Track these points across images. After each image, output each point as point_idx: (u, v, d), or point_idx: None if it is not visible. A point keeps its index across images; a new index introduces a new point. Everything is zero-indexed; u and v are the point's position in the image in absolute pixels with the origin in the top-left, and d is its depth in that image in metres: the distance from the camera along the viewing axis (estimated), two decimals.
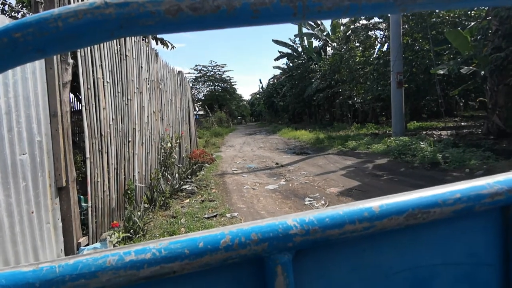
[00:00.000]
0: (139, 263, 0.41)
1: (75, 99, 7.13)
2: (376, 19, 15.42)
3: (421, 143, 8.16)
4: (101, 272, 0.40)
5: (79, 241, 3.11)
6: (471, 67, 9.11)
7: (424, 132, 11.48)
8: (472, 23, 9.50)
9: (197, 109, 34.18)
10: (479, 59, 8.51)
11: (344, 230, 0.47)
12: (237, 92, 41.97)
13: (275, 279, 0.45)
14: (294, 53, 25.01)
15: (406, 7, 0.39)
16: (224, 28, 0.37)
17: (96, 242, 3.44)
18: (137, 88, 5.18)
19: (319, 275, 0.50)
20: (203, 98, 37.36)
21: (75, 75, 3.56)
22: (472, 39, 9.18)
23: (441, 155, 6.88)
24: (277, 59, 26.61)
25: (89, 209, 3.46)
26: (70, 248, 2.97)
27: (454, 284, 0.54)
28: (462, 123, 13.54)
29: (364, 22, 15.85)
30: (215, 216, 4.72)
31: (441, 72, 9.84)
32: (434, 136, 10.34)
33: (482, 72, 8.90)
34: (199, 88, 37.49)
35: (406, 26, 12.61)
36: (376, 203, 0.49)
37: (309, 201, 5.28)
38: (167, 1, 0.34)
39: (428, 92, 12.84)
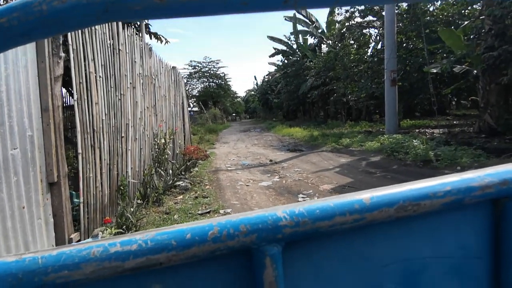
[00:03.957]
0: (124, 254, 0.41)
1: (67, 94, 7.04)
2: (370, 17, 15.47)
3: (414, 141, 8.23)
4: (85, 264, 0.39)
5: (70, 236, 3.08)
6: (463, 66, 9.20)
7: (417, 130, 11.58)
8: (466, 22, 9.58)
9: (191, 105, 34.05)
10: (472, 58, 8.59)
11: (334, 222, 0.46)
12: (231, 88, 41.87)
13: (263, 271, 0.45)
14: (289, 50, 24.98)
15: None
16: (214, 15, 0.36)
17: (88, 238, 3.42)
18: (130, 83, 5.13)
19: (309, 267, 0.49)
20: (197, 94, 37.16)
21: (67, 69, 3.50)
22: (465, 38, 9.26)
23: (433, 153, 6.95)
24: (272, 55, 26.57)
25: (81, 205, 3.43)
26: (61, 244, 2.94)
27: (444, 276, 0.54)
28: (455, 122, 13.70)
29: (359, 20, 15.89)
30: (208, 212, 4.71)
31: (434, 71, 9.92)
32: (427, 134, 10.44)
33: (475, 71, 9.00)
34: (193, 84, 37.29)
35: (400, 24, 12.67)
36: (367, 195, 0.49)
37: (302, 197, 5.30)
38: None
39: (421, 91, 12.94)
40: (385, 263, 0.52)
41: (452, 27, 10.10)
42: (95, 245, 0.41)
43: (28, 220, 2.55)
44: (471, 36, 9.22)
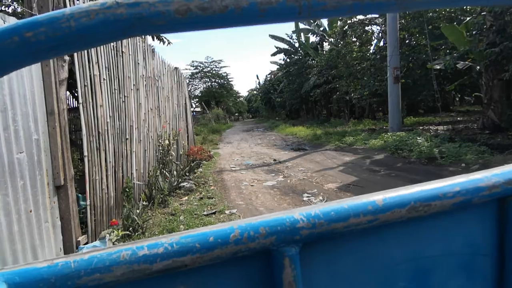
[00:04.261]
0: (152, 257, 0.42)
1: (71, 97, 7.08)
2: (372, 14, 15.39)
3: (418, 138, 8.20)
4: (116, 267, 0.41)
5: (78, 239, 3.10)
6: (467, 62, 9.15)
7: (421, 127, 11.54)
8: (468, 18, 9.51)
9: (194, 105, 34.10)
10: (475, 54, 8.54)
11: (349, 223, 0.48)
12: (234, 88, 41.88)
13: (282, 271, 0.47)
14: (291, 49, 24.94)
15: (407, 6, 0.40)
16: (232, 27, 0.38)
17: (95, 240, 3.44)
18: (133, 84, 5.15)
19: (325, 267, 0.51)
20: (199, 94, 37.23)
21: (71, 72, 3.53)
22: (468, 34, 9.21)
23: (438, 150, 6.92)
24: (274, 54, 26.54)
25: (88, 208, 3.45)
26: (69, 247, 2.97)
27: (452, 273, 0.57)
28: (458, 118, 13.62)
29: (361, 17, 15.82)
30: (214, 213, 4.73)
31: (438, 67, 9.88)
32: (431, 131, 10.39)
33: (478, 67, 8.94)
34: (195, 85, 37.35)
35: (402, 21, 12.61)
36: (379, 197, 0.51)
37: (307, 197, 5.30)
38: (176, 1, 0.35)
39: (424, 87, 12.88)
40: (397, 262, 0.54)
41: (455, 23, 10.05)
42: (124, 248, 0.43)
43: (36, 223, 2.58)
44: (474, 32, 9.16)
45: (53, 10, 3.03)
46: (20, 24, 0.33)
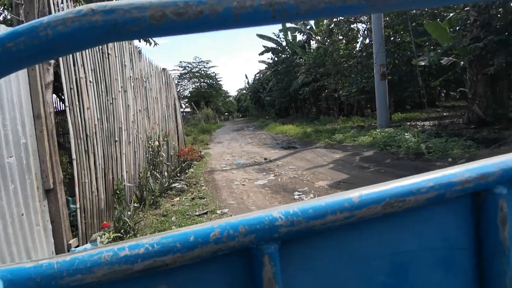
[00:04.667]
0: (133, 257, 0.43)
1: (58, 100, 6.98)
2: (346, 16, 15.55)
3: (406, 134, 8.34)
4: (97, 268, 0.42)
5: (69, 242, 3.08)
6: (451, 58, 9.33)
7: (408, 123, 11.73)
8: (451, 14, 9.71)
9: (184, 106, 33.89)
10: (459, 49, 8.72)
11: (326, 220, 0.49)
12: (223, 88, 41.76)
13: (262, 268, 0.48)
14: (279, 48, 25.01)
15: (379, 8, 0.41)
16: (208, 32, 0.39)
17: (87, 243, 3.42)
18: (121, 86, 5.11)
19: (304, 263, 0.52)
20: (189, 95, 36.99)
21: (56, 75, 3.49)
22: (451, 30, 9.39)
23: (425, 146, 7.06)
24: (261, 53, 26.59)
25: (78, 210, 3.43)
26: (60, 250, 2.94)
27: (430, 267, 0.58)
28: (444, 113, 13.89)
29: None
30: (205, 213, 4.73)
31: (422, 64, 10.06)
32: (418, 127, 10.58)
33: (462, 63, 9.12)
34: (184, 85, 37.09)
35: (387, 18, 12.79)
36: (355, 194, 0.52)
37: (298, 195, 5.35)
38: (152, 7, 0.35)
39: (410, 84, 13.10)
40: (375, 257, 0.55)
41: (438, 20, 10.24)
42: (105, 250, 0.44)
43: (28, 226, 2.56)
44: (457, 28, 9.34)
45: (38, 16, 3.00)
46: (3, 35, 0.34)
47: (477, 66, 8.40)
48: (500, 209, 0.56)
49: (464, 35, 8.65)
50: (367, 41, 15.48)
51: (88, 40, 0.35)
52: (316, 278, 0.53)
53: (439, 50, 9.59)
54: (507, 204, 0.56)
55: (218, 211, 4.77)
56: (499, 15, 7.91)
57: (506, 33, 7.49)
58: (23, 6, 2.84)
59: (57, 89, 5.10)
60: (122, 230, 3.78)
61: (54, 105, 6.46)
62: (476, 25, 8.09)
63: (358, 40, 17.01)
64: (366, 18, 15.15)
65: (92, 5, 0.35)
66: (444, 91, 19.93)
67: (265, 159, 9.15)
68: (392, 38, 13.79)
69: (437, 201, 0.55)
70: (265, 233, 0.48)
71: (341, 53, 15.88)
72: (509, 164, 0.58)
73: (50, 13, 3.20)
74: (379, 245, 0.55)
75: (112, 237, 3.40)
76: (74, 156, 3.50)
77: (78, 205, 3.43)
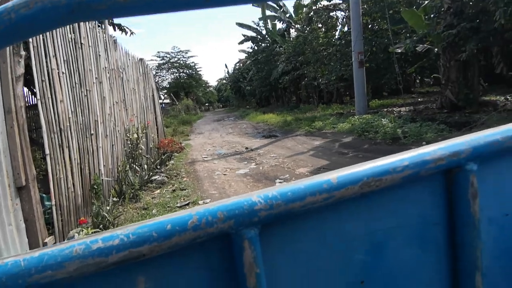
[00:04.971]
0: (107, 249, 0.42)
1: (29, 93, 6.69)
2: (337, 0, 15.62)
3: (383, 120, 8.54)
4: (68, 262, 0.40)
5: (45, 241, 3.00)
6: (425, 45, 9.54)
7: (385, 110, 11.99)
8: (426, 2, 9.88)
9: (163, 97, 33.22)
10: (433, 36, 8.92)
11: (306, 202, 0.50)
12: (203, 78, 41.18)
13: (242, 253, 0.48)
14: (259, 36, 24.78)
15: None
16: (177, 11, 0.38)
17: (64, 240, 3.34)
18: (96, 78, 4.95)
19: (285, 245, 0.53)
20: (168, 86, 36.27)
21: (27, 67, 3.34)
22: (426, 17, 9.57)
23: (401, 130, 7.26)
24: (241, 42, 26.23)
25: (54, 208, 3.34)
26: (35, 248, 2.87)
27: (407, 243, 0.60)
28: (419, 99, 14.26)
29: (326, 3, 16.00)
30: (187, 204, 4.71)
31: (399, 51, 10.24)
32: (394, 112, 10.84)
33: (436, 49, 9.36)
34: (163, 76, 36.28)
35: (365, 6, 12.88)
36: (334, 175, 0.53)
37: (279, 182, 5.40)
38: None
39: (387, 71, 13.33)
40: (354, 236, 0.56)
41: (414, 7, 10.41)
42: (77, 243, 0.42)
43: None
44: (432, 15, 9.53)
45: None
46: None
47: (450, 53, 8.64)
48: (471, 185, 0.59)
49: (438, 23, 8.84)
50: (346, 29, 15.57)
51: (52, 20, 0.34)
52: (296, 259, 0.53)
53: (414, 38, 9.78)
54: (477, 179, 0.59)
55: (200, 202, 4.76)
56: (471, 3, 8.12)
57: (477, 20, 7.71)
58: None
59: (29, 82, 4.89)
60: (101, 226, 3.72)
61: (26, 99, 6.21)
62: (450, 12, 8.28)
63: (337, 28, 17.07)
64: (345, 6, 15.21)
65: None
66: (419, 77, 20.41)
67: (246, 148, 9.16)
68: (370, 26, 13.92)
69: (412, 179, 0.56)
70: (245, 218, 0.47)
71: (320, 41, 15.91)
72: (479, 141, 0.60)
73: None
74: (357, 224, 0.56)
75: (90, 232, 3.34)
76: (47, 152, 3.38)
77: (53, 202, 3.33)
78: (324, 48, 15.78)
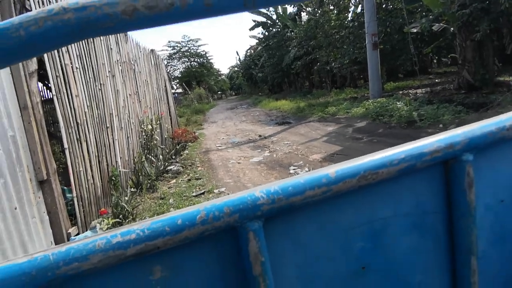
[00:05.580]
0: (125, 243, 0.46)
1: (45, 88, 6.86)
2: None
3: (398, 103, 8.35)
4: (92, 255, 0.45)
5: (68, 231, 3.13)
6: (441, 24, 9.20)
7: (401, 92, 11.70)
8: None
9: (175, 87, 33.40)
10: (448, 16, 8.59)
11: (305, 196, 0.53)
12: (214, 66, 40.99)
13: (248, 243, 0.52)
14: (269, 22, 24.37)
15: None
16: (180, 22, 0.40)
17: (87, 230, 3.47)
18: (109, 71, 5.02)
19: (287, 236, 0.56)
20: (179, 75, 36.35)
21: (40, 62, 3.41)
22: None
23: (417, 113, 7.09)
24: (252, 28, 25.85)
25: (75, 199, 3.46)
26: (60, 239, 2.99)
27: (405, 231, 0.63)
28: (436, 80, 13.84)
29: None
30: (203, 193, 4.79)
31: (414, 31, 9.91)
32: (410, 95, 10.57)
33: (452, 29, 9.03)
34: (174, 66, 36.32)
35: None
36: (332, 170, 0.56)
37: (293, 169, 5.41)
38: (122, 2, 0.36)
39: (403, 52, 12.94)
40: (353, 226, 0.60)
41: None
42: (98, 238, 0.47)
43: (22, 220, 2.57)
44: None
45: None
46: None
47: (465, 32, 8.36)
48: (467, 174, 0.61)
49: (453, 1, 8.49)
50: (359, 10, 15.12)
51: (63, 38, 0.36)
52: (299, 248, 0.57)
53: (430, 17, 9.42)
54: (473, 169, 0.61)
55: (216, 191, 4.83)
56: None
57: (487, 1, 7.43)
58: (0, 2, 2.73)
59: (43, 77, 5.00)
60: (121, 216, 3.83)
61: (41, 94, 6.36)
62: None
63: (349, 10, 16.60)
64: None
65: (63, 3, 0.35)
66: (436, 57, 19.75)
67: (260, 136, 9.17)
68: (384, 6, 13.48)
69: (408, 171, 0.59)
70: (249, 212, 0.51)
71: (332, 24, 15.53)
72: (475, 132, 0.62)
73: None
74: (356, 214, 0.59)
75: (111, 223, 3.45)
76: (66, 145, 3.48)
77: (74, 194, 3.45)
78: (336, 31, 15.42)
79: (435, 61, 21.20)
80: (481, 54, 8.38)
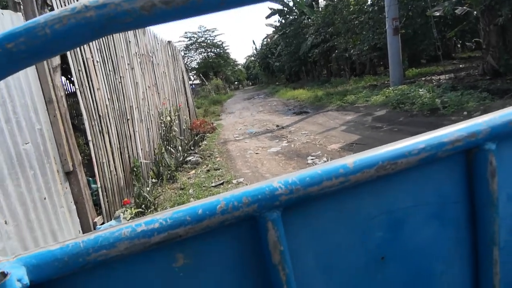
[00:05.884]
0: (149, 232, 0.49)
1: (68, 82, 7.05)
2: None
3: (420, 90, 8.09)
4: (119, 243, 0.48)
5: (94, 220, 3.25)
6: (464, 8, 8.80)
7: (423, 79, 11.33)
8: None
9: (192, 78, 33.62)
10: None
11: (323, 186, 0.54)
12: (231, 56, 40.97)
13: (267, 233, 0.53)
14: (286, 9, 23.98)
15: None
16: (197, 16, 0.40)
17: (111, 219, 3.60)
18: (128, 64, 5.10)
19: (305, 226, 0.57)
20: (196, 66, 36.54)
21: (63, 57, 3.50)
22: None
23: (440, 100, 6.86)
24: (268, 16, 25.56)
25: (99, 190, 3.58)
26: (87, 228, 3.12)
27: (426, 221, 0.63)
28: (461, 65, 13.29)
29: None
30: (222, 183, 4.85)
31: (437, 14, 9.51)
32: (433, 81, 10.22)
33: (475, 12, 8.63)
34: (191, 57, 36.53)
35: None
36: (350, 160, 0.56)
37: (311, 159, 5.38)
38: None
39: (425, 36, 12.48)
40: (372, 216, 0.60)
41: None
42: (124, 227, 0.50)
43: (51, 209, 2.70)
44: None
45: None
46: (1, 36, 0.36)
47: (488, 16, 7.98)
48: (489, 163, 0.60)
49: None
50: None
51: (85, 35, 0.38)
52: (317, 237, 0.58)
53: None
54: (495, 158, 0.60)
55: (234, 181, 4.88)
56: None
57: None
58: (22, 5, 2.81)
59: (66, 71, 5.14)
60: (143, 206, 3.95)
61: (65, 88, 6.55)
62: None
63: None
64: None
65: (85, 1, 0.37)
66: (460, 42, 18.93)
67: (277, 126, 9.14)
68: None
69: (429, 161, 0.58)
70: (267, 202, 0.52)
71: (351, 9, 15.08)
72: (497, 121, 0.61)
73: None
74: (375, 204, 0.60)
75: (134, 212, 3.57)
76: (89, 138, 3.59)
77: (99, 185, 3.57)
78: (355, 17, 14.98)
79: (459, 45, 20.33)
80: (504, 39, 7.99)
